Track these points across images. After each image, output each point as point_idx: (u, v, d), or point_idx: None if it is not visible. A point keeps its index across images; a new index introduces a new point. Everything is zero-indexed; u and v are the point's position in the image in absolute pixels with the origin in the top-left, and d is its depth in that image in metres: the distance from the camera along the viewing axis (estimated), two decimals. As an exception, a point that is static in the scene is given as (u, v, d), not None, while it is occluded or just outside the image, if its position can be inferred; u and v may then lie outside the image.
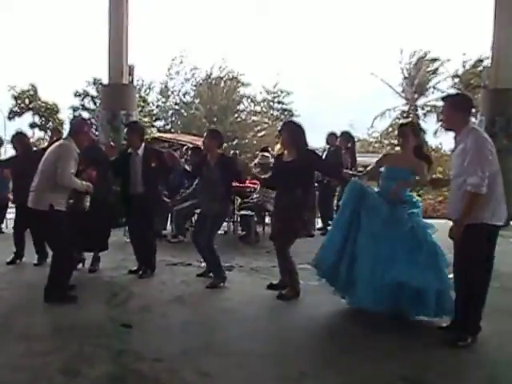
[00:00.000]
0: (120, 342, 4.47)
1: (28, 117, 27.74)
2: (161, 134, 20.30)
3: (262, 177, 6.80)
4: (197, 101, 30.00)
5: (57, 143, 5.76)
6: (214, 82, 29.91)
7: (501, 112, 11.48)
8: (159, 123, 30.74)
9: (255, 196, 9.20)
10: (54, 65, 43.62)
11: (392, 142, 29.50)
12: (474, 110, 4.60)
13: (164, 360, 4.13)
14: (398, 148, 5.81)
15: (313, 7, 50.67)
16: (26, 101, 27.18)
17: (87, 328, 4.78)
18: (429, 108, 31.75)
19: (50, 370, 3.88)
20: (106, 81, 11.46)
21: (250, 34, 47.26)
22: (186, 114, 30.03)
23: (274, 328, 5.06)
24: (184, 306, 5.59)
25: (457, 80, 30.35)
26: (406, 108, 32.83)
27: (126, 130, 6.84)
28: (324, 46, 50.17)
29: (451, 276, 4.79)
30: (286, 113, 32.50)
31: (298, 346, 4.55)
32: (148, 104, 28.73)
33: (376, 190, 5.42)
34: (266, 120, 30.76)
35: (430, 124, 30.02)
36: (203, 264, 6.81)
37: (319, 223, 10.22)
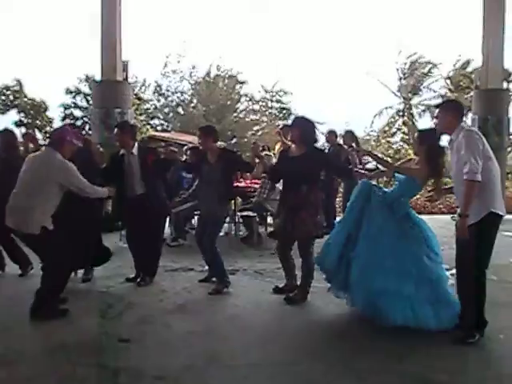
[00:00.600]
0: (117, 359, 4.10)
1: (13, 114, 26.60)
2: (157, 133, 19.91)
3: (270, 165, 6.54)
4: (195, 100, 29.66)
5: (41, 156, 5.26)
6: (212, 80, 29.59)
7: (492, 111, 12.12)
8: (156, 122, 30.37)
9: (255, 195, 8.82)
10: (43, 60, 42.70)
11: (388, 140, 29.99)
12: (464, 114, 4.85)
13: (166, 377, 3.82)
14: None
15: (311, 7, 50.32)
16: (11, 97, 26.26)
17: (80, 346, 4.37)
18: (423, 107, 32.44)
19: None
20: (98, 77, 11.02)
21: (247, 32, 46.93)
22: (184, 113, 29.68)
23: (282, 335, 4.74)
24: (186, 316, 5.23)
25: (448, 81, 31.22)
26: (401, 107, 33.34)
27: (115, 131, 6.41)
28: (321, 46, 49.89)
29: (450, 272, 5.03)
30: (284, 111, 32.33)
31: (308, 353, 4.32)
32: (144, 102, 28.28)
33: (386, 190, 5.36)
34: (265, 119, 30.52)
35: (425, 122, 30.35)
36: (206, 268, 6.44)
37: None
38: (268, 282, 6.33)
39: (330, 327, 4.93)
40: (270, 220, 9.71)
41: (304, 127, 5.64)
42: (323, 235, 5.59)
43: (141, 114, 24.72)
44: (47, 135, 21.24)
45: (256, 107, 31.06)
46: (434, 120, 4.82)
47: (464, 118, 4.71)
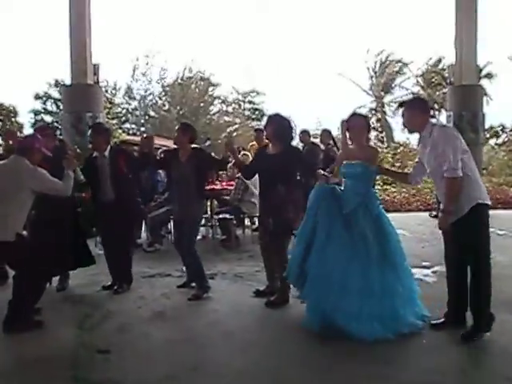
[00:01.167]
0: (95, 371, 3.95)
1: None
2: (130, 137, 19.63)
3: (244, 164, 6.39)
4: (167, 103, 29.45)
5: (10, 163, 5.07)
6: (184, 83, 29.41)
7: (467, 107, 12.20)
8: (127, 126, 30.05)
9: (231, 197, 8.72)
10: (10, 65, 41.98)
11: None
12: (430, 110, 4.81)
13: (147, 389, 3.65)
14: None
15: (282, 8, 50.65)
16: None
17: (56, 358, 4.19)
18: (395, 105, 33.03)
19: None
20: (68, 81, 10.77)
21: (218, 33, 46.79)
22: (156, 116, 29.43)
23: (265, 340, 4.64)
24: (166, 323, 5.08)
25: (420, 79, 31.70)
26: (373, 105, 33.73)
27: (89, 132, 6.24)
28: (292, 46, 50.29)
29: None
30: (256, 112, 32.34)
31: (293, 358, 4.21)
32: (115, 106, 27.94)
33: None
34: (238, 120, 30.48)
35: (397, 120, 30.45)
36: (184, 273, 6.31)
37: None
38: (248, 285, 6.22)
39: (313, 331, 4.75)
40: (247, 222, 9.65)
41: (279, 124, 5.53)
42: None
43: (113, 118, 24.38)
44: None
45: (229, 109, 31.02)
46: (402, 119, 4.75)
47: (432, 114, 4.73)
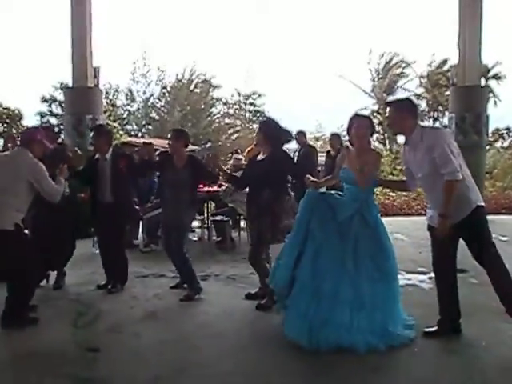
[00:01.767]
0: (86, 369, 4.04)
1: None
2: (132, 139, 19.74)
3: (234, 175, 6.41)
4: (167, 105, 29.56)
5: (13, 153, 5.26)
6: (185, 85, 29.53)
7: (470, 108, 11.71)
8: (130, 127, 30.18)
9: (227, 199, 8.76)
10: (17, 70, 42.29)
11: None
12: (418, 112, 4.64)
13: (135, 388, 3.73)
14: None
15: (283, 9, 50.65)
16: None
17: (49, 355, 4.31)
18: None
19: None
20: (70, 84, 10.90)
21: (219, 35, 46.83)
22: (157, 118, 29.56)
23: (254, 344, 4.68)
24: (158, 324, 5.18)
25: (424, 80, 31.48)
26: (375, 107, 33.57)
27: (92, 134, 6.37)
28: (294, 47, 50.18)
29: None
30: (258, 114, 32.38)
31: (281, 364, 4.20)
32: (117, 108, 28.13)
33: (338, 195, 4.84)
34: (239, 122, 30.53)
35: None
36: (177, 274, 6.37)
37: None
38: (240, 287, 6.28)
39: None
40: (243, 224, 9.72)
41: (267, 129, 5.58)
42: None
43: (114, 121, 24.51)
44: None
45: (230, 111, 31.07)
46: (388, 120, 4.61)
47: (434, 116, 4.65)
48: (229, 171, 6.65)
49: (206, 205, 9.90)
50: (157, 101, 29.89)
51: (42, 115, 27.32)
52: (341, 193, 4.80)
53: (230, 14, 47.86)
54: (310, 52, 51.24)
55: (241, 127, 29.64)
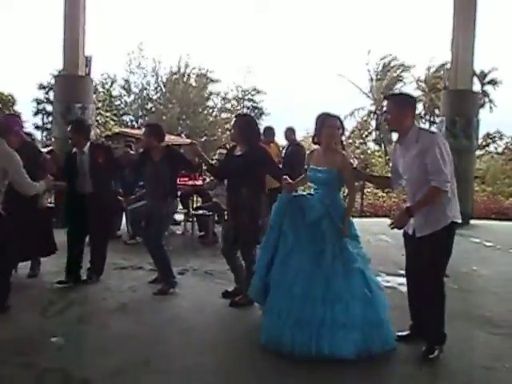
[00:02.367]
0: (47, 359, 4.03)
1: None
2: (124, 130, 19.71)
3: (214, 165, 6.38)
4: (163, 97, 29.57)
5: None
6: (182, 77, 29.52)
7: (460, 112, 11.70)
8: (126, 118, 30.19)
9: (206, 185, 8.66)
10: (16, 56, 42.27)
11: (361, 142, 30.32)
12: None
13: (94, 380, 3.72)
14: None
15: (283, 7, 50.72)
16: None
17: (14, 344, 4.28)
18: None
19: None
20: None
21: (218, 32, 46.96)
22: (153, 110, 29.53)
23: (222, 339, 4.69)
24: (127, 316, 5.15)
25: (422, 84, 31.52)
26: (373, 108, 33.58)
27: (69, 128, 6.34)
28: (294, 46, 50.37)
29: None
30: (256, 111, 32.37)
31: (248, 361, 4.18)
32: (113, 98, 28.13)
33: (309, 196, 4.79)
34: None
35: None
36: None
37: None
38: (217, 283, 6.26)
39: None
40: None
41: (242, 125, 5.57)
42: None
43: (107, 111, 24.47)
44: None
45: (228, 106, 31.08)
46: (385, 115, 4.44)
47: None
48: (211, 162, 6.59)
49: (191, 199, 9.90)
50: (152, 93, 29.88)
51: (39, 102, 27.35)
52: (312, 192, 4.78)
53: (231, 10, 47.94)
54: (309, 52, 51.42)
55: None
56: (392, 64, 33.96)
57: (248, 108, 31.87)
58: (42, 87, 27.71)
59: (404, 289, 6.06)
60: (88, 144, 6.24)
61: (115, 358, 4.10)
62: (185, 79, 29.59)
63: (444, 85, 12.64)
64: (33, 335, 4.49)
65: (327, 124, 4.62)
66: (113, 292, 5.87)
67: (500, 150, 25.92)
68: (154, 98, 29.93)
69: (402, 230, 4.39)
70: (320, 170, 4.62)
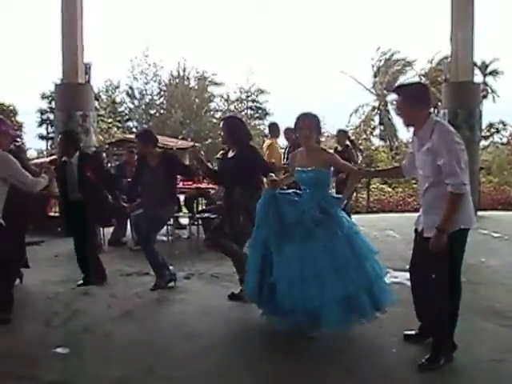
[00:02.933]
0: (52, 371, 3.98)
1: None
2: (128, 136, 19.70)
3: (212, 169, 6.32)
4: (165, 102, 29.58)
5: None
6: (183, 81, 29.53)
7: (462, 104, 11.58)
8: (131, 124, 30.25)
9: (215, 196, 8.73)
10: (18, 67, 42.49)
11: (365, 138, 30.31)
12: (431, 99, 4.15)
13: (99, 390, 3.67)
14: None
15: (285, 5, 50.77)
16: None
17: (17, 356, 4.24)
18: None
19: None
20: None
21: (221, 33, 47.05)
22: (157, 115, 29.55)
23: (227, 344, 4.64)
24: (132, 323, 5.11)
25: (424, 78, 31.60)
26: (376, 104, 33.55)
27: (59, 137, 6.40)
28: (295, 46, 50.34)
29: None
30: (260, 111, 32.37)
31: (252, 366, 4.11)
32: (117, 104, 28.20)
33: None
34: (240, 119, 30.54)
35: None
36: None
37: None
38: (223, 286, 6.21)
39: (278, 338, 4.57)
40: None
41: (230, 127, 5.60)
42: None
43: (110, 117, 24.50)
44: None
45: (231, 108, 31.06)
46: (396, 110, 4.34)
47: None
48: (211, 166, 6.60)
49: (196, 202, 9.87)
50: (155, 98, 29.91)
51: (42, 112, 27.44)
52: (299, 192, 4.82)
53: (232, 12, 48.00)
54: (311, 49, 51.33)
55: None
56: (394, 58, 33.83)
57: (252, 109, 31.86)
58: (44, 97, 27.80)
59: (412, 284, 6.20)
60: (77, 154, 6.26)
61: (120, 367, 4.07)
62: (185, 82, 29.58)
63: (445, 77, 12.58)
64: (37, 346, 4.46)
65: (298, 126, 4.71)
66: (118, 299, 5.83)
67: (505, 140, 25.73)
68: (158, 102, 29.94)
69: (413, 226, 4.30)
70: (307, 171, 4.67)
